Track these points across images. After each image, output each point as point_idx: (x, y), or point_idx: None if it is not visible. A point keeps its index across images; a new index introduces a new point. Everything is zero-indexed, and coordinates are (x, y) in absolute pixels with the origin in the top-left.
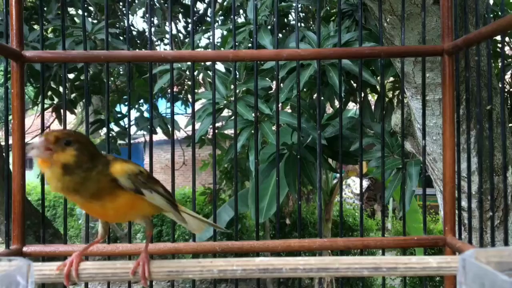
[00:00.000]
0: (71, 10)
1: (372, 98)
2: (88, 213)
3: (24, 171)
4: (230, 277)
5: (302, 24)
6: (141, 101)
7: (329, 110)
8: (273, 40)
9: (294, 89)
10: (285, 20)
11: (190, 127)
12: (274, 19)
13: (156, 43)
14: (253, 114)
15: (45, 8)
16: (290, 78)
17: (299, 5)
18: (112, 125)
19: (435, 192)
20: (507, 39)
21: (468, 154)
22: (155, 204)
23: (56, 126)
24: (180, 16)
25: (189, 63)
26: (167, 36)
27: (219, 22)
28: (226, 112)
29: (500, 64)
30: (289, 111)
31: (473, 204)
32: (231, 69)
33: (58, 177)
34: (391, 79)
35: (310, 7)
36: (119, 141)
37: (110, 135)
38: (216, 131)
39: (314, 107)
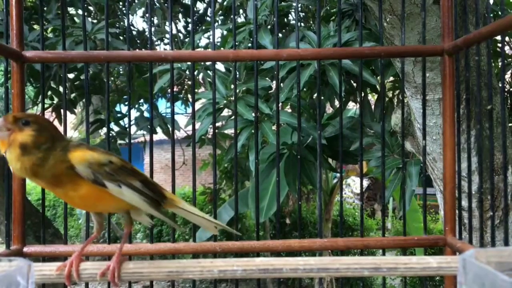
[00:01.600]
0: (71, 10)
1: (372, 98)
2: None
3: None
4: (230, 277)
5: (302, 24)
6: (141, 101)
7: (329, 110)
8: (273, 40)
9: (294, 89)
10: (285, 20)
11: (190, 127)
12: (274, 19)
13: (156, 43)
14: (253, 114)
15: (45, 8)
16: (290, 78)
17: (299, 5)
18: (112, 125)
19: (435, 192)
20: (507, 38)
21: (468, 154)
22: (125, 200)
23: (56, 126)
24: (180, 16)
25: (189, 63)
26: (167, 36)
27: (219, 22)
28: (226, 112)
29: (500, 63)
30: (289, 110)
31: (473, 204)
32: (231, 69)
33: (17, 157)
34: (391, 78)
35: (310, 7)
36: (119, 141)
37: (110, 135)
38: (216, 130)
39: (314, 106)
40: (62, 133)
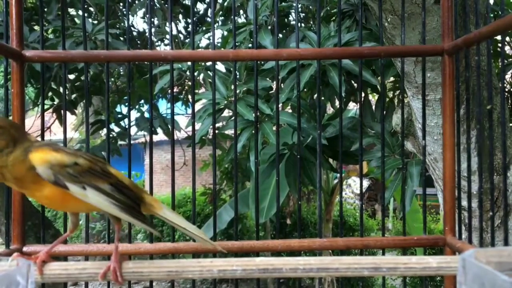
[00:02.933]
0: (72, 11)
1: (373, 98)
2: None
3: None
4: (230, 277)
5: (303, 24)
6: (142, 101)
7: (330, 110)
8: (273, 40)
9: (295, 89)
10: (286, 20)
11: (190, 128)
12: (275, 19)
13: (157, 43)
14: (254, 114)
15: (45, 9)
16: (291, 78)
17: (299, 5)
18: (113, 126)
19: (436, 192)
20: (507, 38)
21: (468, 154)
22: (91, 203)
23: (56, 127)
24: (181, 16)
25: (189, 63)
26: (168, 36)
27: (220, 23)
28: (226, 113)
29: (500, 63)
30: (290, 111)
31: (473, 204)
32: (231, 69)
33: None
34: (392, 79)
35: (311, 7)
36: (120, 142)
37: (111, 135)
38: (217, 131)
39: (315, 107)
40: (25, 132)
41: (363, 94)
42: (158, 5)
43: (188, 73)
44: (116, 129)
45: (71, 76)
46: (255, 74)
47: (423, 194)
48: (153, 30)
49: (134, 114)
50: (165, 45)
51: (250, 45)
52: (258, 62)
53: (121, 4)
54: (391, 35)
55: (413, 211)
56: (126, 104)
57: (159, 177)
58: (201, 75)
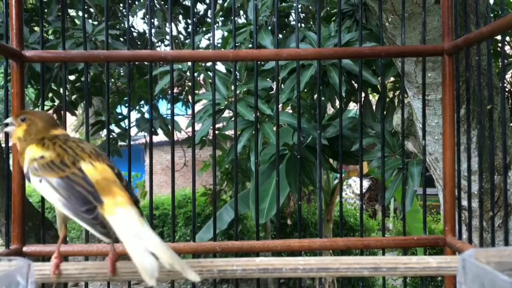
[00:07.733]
0: (72, 12)
1: (373, 98)
2: None
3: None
4: (230, 277)
5: (303, 25)
6: (142, 102)
7: (330, 110)
8: (273, 41)
9: (295, 90)
10: (286, 20)
11: (190, 128)
12: (275, 20)
13: (157, 44)
14: (254, 115)
15: (45, 10)
16: (291, 78)
17: (300, 6)
18: (113, 126)
19: (436, 192)
20: (507, 38)
21: (468, 154)
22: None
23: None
24: (180, 17)
25: (189, 64)
26: (168, 37)
27: (220, 23)
28: (227, 113)
29: (500, 63)
30: (290, 111)
31: (474, 204)
32: (231, 69)
33: (17, 146)
34: (392, 79)
35: (311, 7)
36: (120, 142)
37: (111, 136)
38: (217, 132)
39: (315, 107)
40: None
41: (363, 94)
42: (158, 6)
43: (188, 73)
44: (116, 130)
45: (71, 77)
46: (255, 75)
47: (423, 194)
48: (153, 31)
49: (134, 115)
50: (165, 45)
51: (250, 45)
52: (258, 62)
53: (121, 5)
54: (392, 35)
55: (413, 211)
56: (126, 105)
57: (160, 177)
58: (201, 76)
